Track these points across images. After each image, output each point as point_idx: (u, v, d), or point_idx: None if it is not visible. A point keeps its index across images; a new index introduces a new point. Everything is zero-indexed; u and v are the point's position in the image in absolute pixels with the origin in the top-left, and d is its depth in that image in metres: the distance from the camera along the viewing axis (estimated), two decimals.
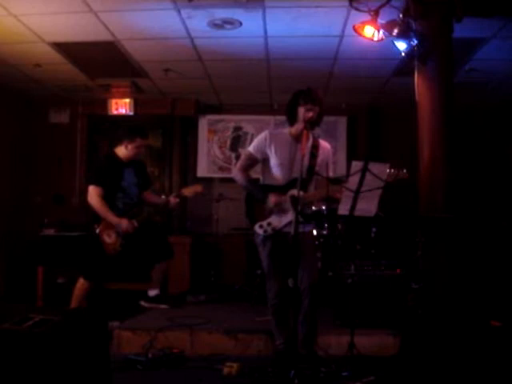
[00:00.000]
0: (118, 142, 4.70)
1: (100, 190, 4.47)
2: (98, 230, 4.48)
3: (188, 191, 4.77)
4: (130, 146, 4.64)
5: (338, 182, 3.46)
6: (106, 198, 4.50)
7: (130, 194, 4.67)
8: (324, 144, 3.71)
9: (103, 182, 4.49)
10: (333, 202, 3.35)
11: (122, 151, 4.67)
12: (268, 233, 3.53)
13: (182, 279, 6.39)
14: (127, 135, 4.67)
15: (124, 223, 4.48)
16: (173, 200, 4.77)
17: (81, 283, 4.60)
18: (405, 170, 3.46)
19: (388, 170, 3.35)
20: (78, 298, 4.57)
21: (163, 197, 4.94)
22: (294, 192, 3.28)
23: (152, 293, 4.94)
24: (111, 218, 4.48)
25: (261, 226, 3.54)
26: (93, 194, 4.47)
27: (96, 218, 4.53)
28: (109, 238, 4.50)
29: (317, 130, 3.72)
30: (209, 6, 4.33)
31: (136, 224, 4.57)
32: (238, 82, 6.38)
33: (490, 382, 2.89)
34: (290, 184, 3.49)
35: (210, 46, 5.21)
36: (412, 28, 3.91)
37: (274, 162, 3.58)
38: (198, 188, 4.79)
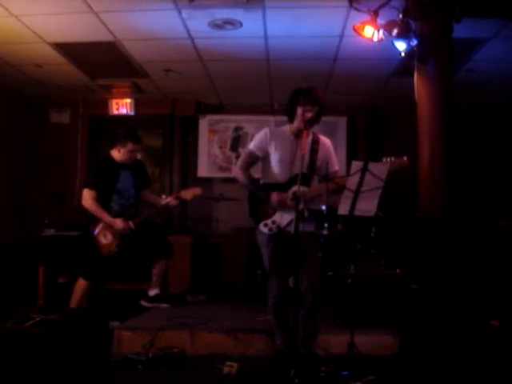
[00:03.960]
0: (113, 146, 4.77)
1: (93, 193, 4.53)
2: (96, 231, 4.51)
3: (187, 194, 4.76)
4: (122, 150, 4.70)
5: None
6: (102, 200, 4.55)
7: (127, 195, 4.71)
8: (324, 139, 3.71)
9: (97, 185, 4.55)
10: (338, 193, 3.32)
11: (115, 154, 4.73)
12: (273, 231, 3.52)
13: (182, 279, 6.39)
14: (119, 139, 4.74)
15: (118, 223, 4.50)
16: (172, 202, 4.76)
17: (80, 283, 4.62)
18: (405, 158, 3.44)
19: (388, 159, 3.35)
20: (78, 298, 4.59)
21: (163, 197, 4.94)
22: (296, 188, 3.29)
23: (152, 292, 4.96)
24: (106, 218, 4.53)
25: (265, 225, 3.54)
26: (86, 197, 4.54)
27: (93, 218, 4.57)
28: (105, 239, 4.53)
29: (316, 130, 3.73)
30: (209, 7, 4.34)
31: (132, 225, 4.59)
32: (238, 82, 6.38)
33: (489, 381, 2.90)
34: (292, 181, 3.48)
35: (211, 47, 5.21)
36: (412, 28, 3.92)
37: (274, 159, 3.58)
38: (197, 191, 4.78)
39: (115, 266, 4.74)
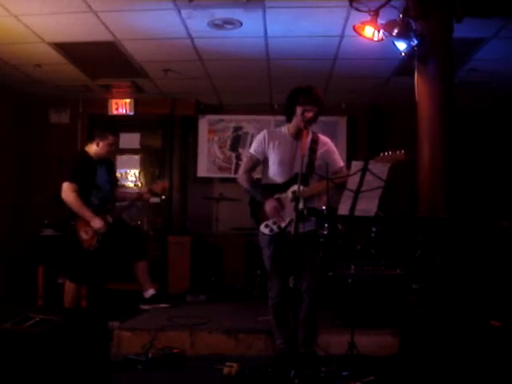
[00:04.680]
0: (89, 141, 4.79)
1: (74, 186, 4.50)
2: (75, 225, 4.50)
3: (157, 187, 5.22)
4: (101, 144, 4.68)
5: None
6: (82, 194, 4.53)
7: (105, 190, 4.72)
8: (323, 138, 3.70)
9: (77, 179, 4.52)
10: (340, 187, 3.31)
11: (93, 149, 4.71)
12: (274, 231, 3.52)
13: (182, 279, 6.39)
14: (97, 133, 4.75)
15: (98, 221, 4.50)
16: (146, 195, 5.09)
17: (68, 286, 4.59)
18: (402, 151, 3.44)
19: (385, 153, 3.34)
20: (69, 301, 4.54)
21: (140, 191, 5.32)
22: (295, 188, 3.28)
23: (148, 294, 4.93)
24: (86, 213, 4.50)
25: (266, 226, 3.54)
26: (67, 191, 4.49)
27: (72, 215, 4.54)
28: (85, 235, 4.51)
29: (317, 130, 3.73)
30: (209, 6, 4.34)
31: (110, 219, 4.60)
32: (238, 82, 6.38)
33: (489, 381, 2.90)
34: (291, 181, 3.49)
35: (211, 46, 5.21)
36: (412, 28, 3.92)
37: (273, 160, 3.58)
38: (164, 184, 5.54)
39: (97, 263, 4.67)
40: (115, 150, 5.39)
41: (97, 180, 4.65)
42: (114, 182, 4.92)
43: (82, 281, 4.69)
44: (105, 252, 4.62)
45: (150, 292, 4.93)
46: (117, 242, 4.74)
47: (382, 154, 3.38)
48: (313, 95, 3.49)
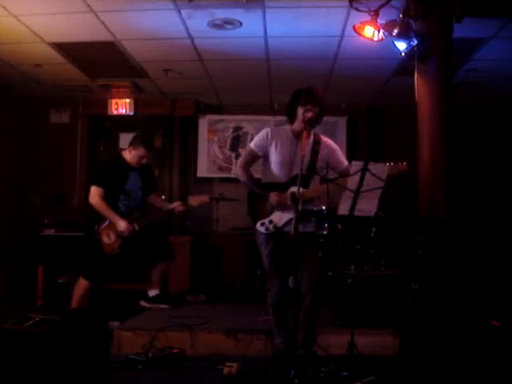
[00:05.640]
0: (127, 146, 4.76)
1: (101, 191, 4.51)
2: (98, 229, 4.50)
3: (194, 201, 4.77)
4: (133, 152, 4.69)
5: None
6: (109, 199, 4.52)
7: (134, 197, 4.69)
8: (326, 140, 3.70)
9: (105, 183, 4.53)
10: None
11: (127, 154, 4.72)
12: (270, 230, 3.52)
13: (182, 279, 6.39)
14: (135, 141, 4.73)
15: (123, 223, 4.49)
16: (178, 208, 4.80)
17: (81, 283, 4.60)
18: (404, 163, 3.45)
19: (387, 164, 3.35)
20: (78, 298, 4.58)
21: (173, 204, 4.90)
22: (295, 189, 3.28)
23: (152, 293, 4.95)
24: (111, 216, 4.51)
25: (262, 224, 3.53)
26: (94, 194, 4.51)
27: (96, 218, 4.55)
28: (108, 239, 4.52)
29: (316, 130, 3.73)
30: (209, 6, 4.34)
31: (137, 227, 4.58)
32: (238, 82, 6.38)
33: (489, 381, 2.90)
34: (291, 181, 3.48)
35: (210, 46, 5.21)
36: (412, 28, 3.92)
37: (274, 159, 3.57)
38: (205, 199, 4.86)
39: (116, 266, 4.72)
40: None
41: (127, 185, 4.63)
42: (147, 189, 4.83)
43: (98, 280, 4.72)
44: (126, 257, 4.63)
45: (155, 291, 4.94)
46: (140, 247, 4.70)
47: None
48: (314, 95, 3.49)
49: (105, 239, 4.52)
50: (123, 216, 4.56)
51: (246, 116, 7.37)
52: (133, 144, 4.72)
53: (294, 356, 3.19)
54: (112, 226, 4.52)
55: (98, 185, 4.53)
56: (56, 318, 2.46)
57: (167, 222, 7.06)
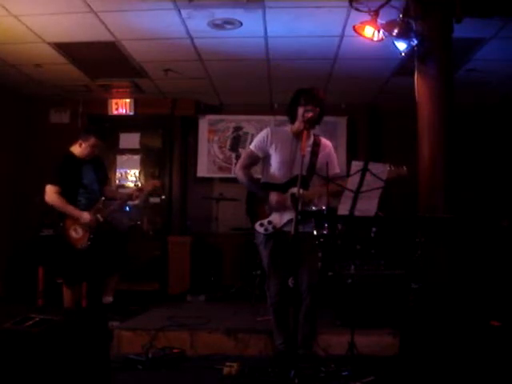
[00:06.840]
0: (75, 141, 4.72)
1: (57, 189, 4.49)
2: (64, 225, 4.47)
3: (147, 185, 5.26)
4: (84, 145, 4.65)
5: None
6: (68, 195, 4.51)
7: (91, 189, 4.67)
8: (325, 142, 3.71)
9: (60, 182, 4.51)
10: (336, 195, 3.30)
11: (77, 149, 4.67)
12: (269, 231, 3.52)
13: (182, 279, 6.40)
14: (83, 134, 4.72)
15: (85, 215, 4.48)
16: (136, 194, 4.90)
17: (65, 291, 4.58)
18: (404, 168, 3.46)
19: (388, 168, 3.35)
20: (68, 303, 4.53)
21: (130, 190, 5.12)
22: (295, 190, 3.28)
23: (107, 300, 4.77)
24: (72, 211, 4.49)
25: (261, 225, 3.53)
26: (50, 193, 4.50)
27: (61, 216, 4.53)
28: (76, 234, 4.50)
29: (316, 130, 3.73)
30: (209, 6, 4.34)
31: (101, 218, 4.58)
32: (238, 82, 6.38)
33: (490, 381, 2.90)
34: (291, 182, 3.48)
35: (210, 46, 5.21)
36: (412, 28, 3.91)
37: (274, 159, 3.57)
38: (156, 183, 5.34)
39: (92, 262, 4.61)
40: (103, 151, 5.15)
41: (83, 179, 4.62)
42: (102, 180, 4.84)
43: (76, 282, 4.66)
44: (98, 250, 4.57)
45: (110, 299, 4.77)
46: (108, 240, 4.67)
47: None
48: (314, 95, 3.49)
49: (73, 234, 4.49)
50: (86, 209, 4.54)
51: (246, 116, 7.37)
52: (82, 137, 4.67)
53: (293, 356, 3.20)
54: (76, 220, 4.50)
55: (52, 183, 4.51)
56: (56, 318, 2.47)
57: (167, 221, 7.08)
